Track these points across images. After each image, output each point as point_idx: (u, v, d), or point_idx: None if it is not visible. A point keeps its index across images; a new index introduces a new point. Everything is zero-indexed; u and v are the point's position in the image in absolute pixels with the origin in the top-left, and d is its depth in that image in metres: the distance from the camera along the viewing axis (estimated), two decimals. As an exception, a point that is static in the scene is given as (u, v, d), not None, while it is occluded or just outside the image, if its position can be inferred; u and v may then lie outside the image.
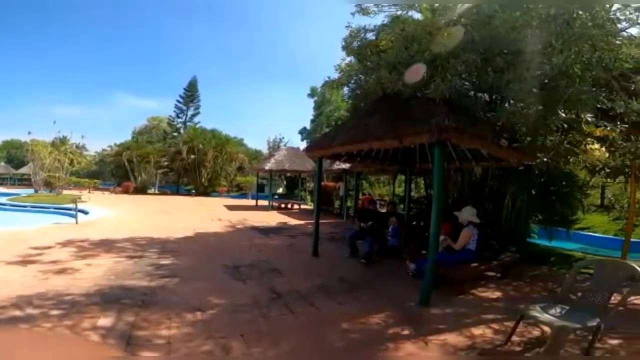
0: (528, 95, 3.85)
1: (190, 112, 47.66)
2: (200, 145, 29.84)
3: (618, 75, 4.23)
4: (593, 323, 2.94)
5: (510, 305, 4.42)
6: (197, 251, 7.30)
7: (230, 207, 18.30)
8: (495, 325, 3.77)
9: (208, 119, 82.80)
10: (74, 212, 10.73)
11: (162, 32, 73.65)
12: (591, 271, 3.68)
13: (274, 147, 34.65)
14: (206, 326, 3.53)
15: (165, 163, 31.71)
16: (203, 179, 29.99)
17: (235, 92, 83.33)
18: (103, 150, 44.82)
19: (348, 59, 7.89)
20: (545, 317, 3.05)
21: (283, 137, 38.68)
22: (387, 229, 7.09)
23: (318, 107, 32.98)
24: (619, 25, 4.71)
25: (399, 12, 6.39)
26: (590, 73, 3.85)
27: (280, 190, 28.69)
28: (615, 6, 4.41)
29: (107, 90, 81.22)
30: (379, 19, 6.98)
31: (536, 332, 3.53)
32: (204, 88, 63.35)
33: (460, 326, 3.75)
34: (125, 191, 27.86)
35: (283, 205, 19.10)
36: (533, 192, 7.24)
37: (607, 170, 4.62)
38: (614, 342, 3.36)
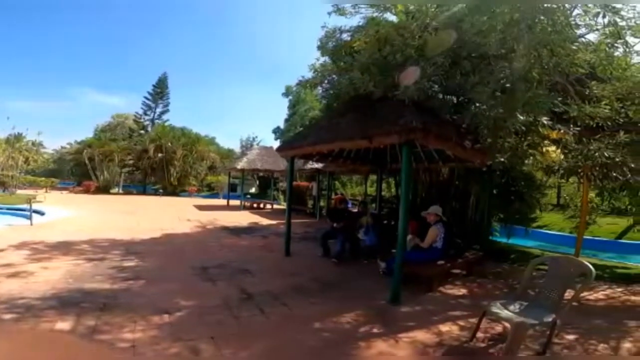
0: (490, 98, 4.01)
1: (158, 110, 45.86)
2: (169, 144, 28.86)
3: (574, 80, 4.50)
4: (549, 319, 3.07)
5: (474, 302, 4.58)
6: (164, 252, 7.03)
7: (201, 207, 17.82)
8: (461, 322, 3.90)
9: (178, 117, 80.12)
10: (28, 213, 10.02)
11: (130, 25, 70.23)
12: (547, 267, 3.84)
13: (247, 146, 34.16)
14: (174, 328, 3.41)
15: (131, 162, 30.38)
16: (172, 178, 29.00)
17: (208, 90, 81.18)
18: (62, 148, 42.24)
19: (322, 59, 7.93)
20: (505, 313, 3.17)
21: (256, 136, 38.36)
22: (360, 228, 7.18)
23: (292, 106, 32.86)
24: (578, 31, 5.03)
25: (374, 14, 6.49)
26: (547, 77, 4.06)
27: (252, 190, 28.30)
28: (576, 12, 4.70)
29: (68, 84, 75.59)
30: (355, 20, 7.09)
31: (499, 328, 3.66)
32: (174, 85, 61.36)
33: (429, 323, 3.85)
34: (86, 191, 26.36)
35: (255, 205, 18.86)
36: (495, 192, 7.60)
37: (561, 171, 4.96)
38: (571, 337, 3.52)
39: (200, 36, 75.63)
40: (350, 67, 5.97)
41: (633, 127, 4.22)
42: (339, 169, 13.21)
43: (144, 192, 30.23)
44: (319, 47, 7.37)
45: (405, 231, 4.62)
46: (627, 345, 3.38)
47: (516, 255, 7.80)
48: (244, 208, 17.88)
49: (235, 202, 19.41)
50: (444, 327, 3.75)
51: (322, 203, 15.93)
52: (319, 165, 13.09)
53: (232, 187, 24.63)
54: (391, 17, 6.61)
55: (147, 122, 44.75)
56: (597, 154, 3.73)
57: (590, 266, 3.19)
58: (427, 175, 8.99)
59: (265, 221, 13.30)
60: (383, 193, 14.03)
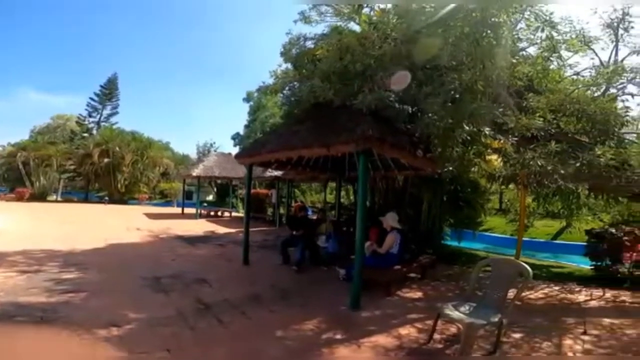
0: (441, 108, 4.24)
1: (106, 112, 42.88)
2: (117, 148, 26.93)
3: (514, 92, 4.92)
4: (495, 319, 3.25)
5: (429, 304, 4.74)
6: (109, 263, 6.53)
7: (152, 216, 16.82)
8: (418, 324, 4.02)
9: (129, 120, 75.59)
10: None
11: (77, 23, 65.03)
12: (490, 269, 4.05)
13: (204, 152, 33.01)
14: (123, 342, 3.21)
15: (72, 167, 27.95)
16: (119, 185, 27.05)
17: (163, 93, 77.21)
18: (-8, 150, 37.81)
19: (285, 65, 7.97)
20: (456, 314, 3.33)
21: (214, 142, 37.12)
22: (320, 236, 7.22)
23: (253, 112, 32.32)
24: (520, 45, 5.50)
25: (339, 23, 6.64)
26: (491, 90, 4.40)
27: (209, 198, 27.32)
28: (519, 26, 5.15)
29: (5, 83, 68.16)
30: (320, 28, 7.18)
31: (453, 329, 3.81)
32: (126, 86, 57.68)
33: (389, 327, 3.94)
34: (19, 198, 23.74)
35: (213, 213, 18.22)
36: (445, 198, 8.07)
37: (502, 179, 5.39)
38: (517, 336, 3.74)
39: (156, 36, 72.04)
40: (312, 75, 6.05)
41: (563, 137, 4.69)
42: (299, 176, 13.23)
43: (86, 199, 27.91)
44: (282, 54, 7.39)
45: (362, 237, 4.70)
46: (568, 342, 3.61)
47: (465, 257, 8.25)
48: (201, 216, 17.19)
49: (190, 211, 18.58)
50: (403, 330, 3.86)
51: (281, 211, 15.81)
52: (278, 173, 13.01)
53: (188, 195, 23.59)
54: (355, 27, 6.82)
55: (92, 125, 41.59)
56: (531, 162, 4.11)
57: (527, 267, 3.42)
58: (383, 183, 9.30)
59: (223, 229, 12.89)
60: (342, 200, 14.30)
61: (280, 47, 7.37)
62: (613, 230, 6.25)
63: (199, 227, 13.35)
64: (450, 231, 9.51)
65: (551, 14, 4.99)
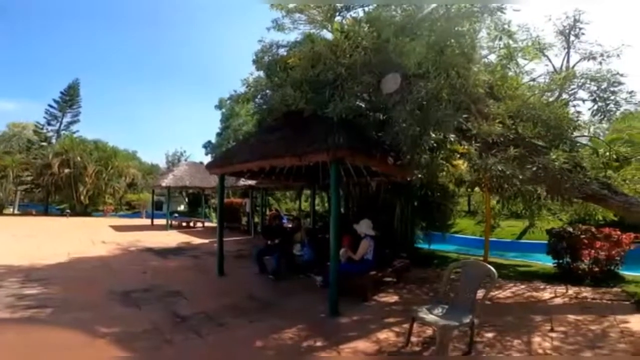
0: (409, 116, 4.38)
1: (66, 120, 40.75)
2: (78, 158, 25.57)
3: (476, 99, 5.14)
4: (467, 319, 3.35)
5: (406, 307, 4.82)
6: (75, 278, 6.22)
7: (119, 228, 16.07)
8: (396, 328, 4.10)
9: (91, 128, 72.07)
10: None
11: (35, 25, 61.59)
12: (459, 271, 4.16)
13: (174, 161, 32.06)
14: (97, 357, 3.11)
15: (29, 178, 26.25)
16: (82, 197, 25.66)
17: (130, 101, 74.06)
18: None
19: (257, 73, 7.93)
20: (430, 317, 3.41)
21: (184, 151, 36.15)
22: (295, 244, 7.22)
23: (226, 120, 31.78)
24: (483, 52, 5.76)
25: (312, 30, 6.70)
26: (455, 97, 4.58)
27: (181, 208, 26.54)
28: (481, 34, 5.39)
29: None
30: (293, 36, 7.24)
31: (429, 331, 3.88)
32: (89, 93, 54.96)
33: (368, 332, 4.00)
34: (-31, 214, 22.00)
35: (184, 224, 17.69)
36: (416, 203, 8.32)
37: (467, 183, 5.63)
38: (490, 335, 3.89)
39: (123, 40, 69.45)
40: (284, 83, 6.05)
41: (521, 142, 4.94)
42: (273, 184, 13.17)
43: (46, 212, 26.25)
44: (254, 61, 7.33)
45: (337, 244, 4.74)
46: (537, 339, 3.76)
47: (438, 260, 8.47)
48: (172, 227, 16.65)
49: (161, 222, 17.95)
50: (382, 335, 3.92)
51: (256, 219, 15.64)
52: (252, 182, 12.90)
53: (158, 205, 22.83)
54: (328, 35, 6.93)
55: (52, 134, 39.39)
56: (492, 167, 4.34)
57: (492, 268, 3.58)
58: (357, 189, 9.45)
59: (196, 240, 12.55)
60: (317, 208, 14.37)
61: (252, 55, 7.39)
62: (571, 229, 6.59)
63: (171, 238, 12.93)
64: (422, 235, 9.78)
65: (509, 22, 5.26)
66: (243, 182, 13.90)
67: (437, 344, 3.32)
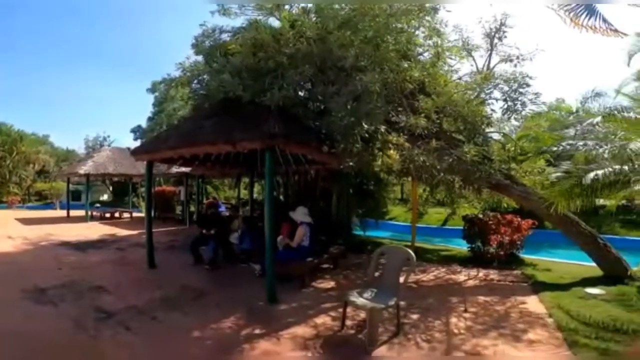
0: (343, 108, 4.55)
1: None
2: (-26, 142, 21.79)
3: (408, 94, 5.47)
4: (392, 302, 3.60)
5: (341, 292, 4.92)
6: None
7: (27, 221, 14.10)
8: (332, 313, 4.28)
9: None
10: None
11: None
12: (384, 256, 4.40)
13: (95, 146, 28.93)
14: (15, 358, 2.84)
15: None
16: (-21, 187, 21.98)
17: (41, 78, 63.45)
18: None
19: (195, 57, 7.56)
20: (360, 300, 3.62)
21: (108, 136, 32.65)
22: (233, 233, 7.10)
23: (159, 104, 29.35)
24: (419, 49, 6.08)
25: (260, 17, 6.49)
26: (386, 91, 4.83)
27: (104, 198, 24.18)
28: (417, 32, 5.65)
29: None
30: (239, 22, 6.94)
31: (363, 315, 4.03)
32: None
33: (306, 317, 4.13)
34: None
35: (108, 215, 16.16)
36: (352, 191, 8.70)
37: (396, 172, 6.03)
38: (415, 316, 4.21)
39: (37, 16, 58.96)
40: (223, 69, 5.88)
41: (443, 135, 5.44)
42: (209, 172, 12.69)
43: None
44: (193, 45, 6.99)
45: (272, 233, 4.76)
46: (454, 320, 4.12)
47: (372, 246, 8.74)
48: (93, 219, 15.12)
49: (79, 213, 16.19)
50: (319, 320, 4.08)
51: (192, 209, 14.95)
52: (186, 169, 12.28)
53: (76, 195, 20.49)
54: (275, 23, 6.79)
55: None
56: (416, 158, 4.77)
57: (411, 252, 3.90)
58: (295, 177, 9.57)
59: (122, 232, 11.59)
60: (256, 196, 14.22)
61: (191, 38, 7.01)
62: (481, 216, 7.40)
63: (92, 231, 11.76)
64: (358, 221, 10.21)
65: (442, 22, 5.60)
66: (176, 169, 13.15)
67: (368, 326, 3.53)
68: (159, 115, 28.34)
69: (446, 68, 6.46)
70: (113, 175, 17.21)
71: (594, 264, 5.97)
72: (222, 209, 11.96)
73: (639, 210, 10.98)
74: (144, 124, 29.88)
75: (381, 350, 3.35)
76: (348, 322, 3.91)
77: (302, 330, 3.77)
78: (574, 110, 14.87)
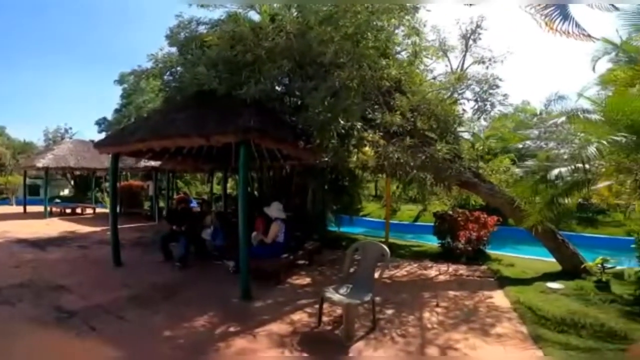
0: (321, 103, 4.55)
1: None
2: None
3: (385, 92, 5.51)
4: (368, 297, 3.63)
5: (317, 289, 4.92)
6: None
7: (-24, 218, 13.10)
8: (309, 310, 4.25)
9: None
10: None
11: None
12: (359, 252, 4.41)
13: (55, 139, 27.20)
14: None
15: None
16: None
17: None
18: None
19: (168, 49, 7.29)
20: (336, 297, 3.63)
21: (70, 128, 30.73)
22: (205, 229, 6.91)
23: (127, 96, 28.00)
24: (398, 48, 6.14)
25: (239, 10, 6.32)
26: (364, 88, 4.86)
27: (65, 193, 22.84)
28: (397, 31, 5.67)
29: None
30: (218, 14, 6.79)
31: (339, 311, 4.01)
32: None
33: (282, 314, 4.08)
34: None
35: (70, 211, 15.24)
36: (327, 187, 8.72)
37: (371, 169, 6.10)
38: (390, 311, 4.26)
39: None
40: (198, 62, 5.72)
41: (417, 133, 5.54)
42: (180, 166, 12.27)
43: None
44: (168, 37, 6.78)
45: (245, 229, 4.68)
46: (427, 315, 4.20)
47: (347, 241, 8.82)
48: (52, 215, 14.22)
49: (37, 209, 15.17)
50: (295, 316, 4.05)
51: (162, 204, 14.43)
52: (156, 163, 11.81)
53: (34, 190, 19.20)
54: (255, 16, 6.64)
55: None
56: (391, 155, 4.85)
57: (386, 248, 3.94)
58: (271, 173, 9.47)
59: (84, 229, 10.96)
60: (230, 191, 13.94)
61: (166, 30, 6.78)
62: (451, 213, 7.63)
63: (51, 227, 11.05)
64: (334, 217, 10.24)
65: (422, 22, 5.69)
66: (145, 163, 12.63)
67: (344, 321, 3.54)
68: (127, 107, 27.12)
69: (422, 67, 6.61)
70: (75, 169, 16.26)
71: (553, 260, 6.27)
72: (194, 204, 11.66)
73: (594, 209, 11.69)
74: (109, 116, 28.48)
75: (358, 346, 3.37)
76: (324, 319, 3.91)
77: (278, 327, 3.74)
78: (538, 112, 15.66)
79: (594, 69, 6.51)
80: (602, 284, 5.06)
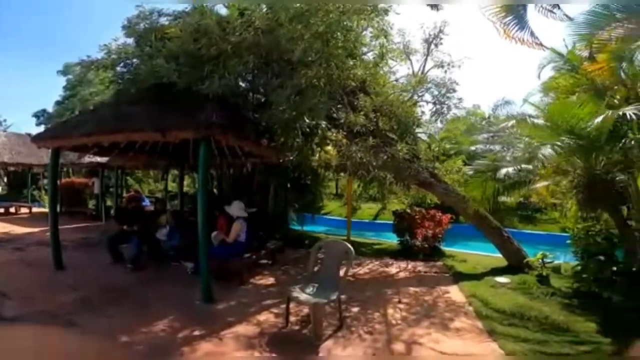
0: (286, 101, 4.50)
1: None
2: None
3: (350, 91, 5.55)
4: (334, 296, 3.64)
5: (282, 288, 4.86)
6: None
7: None
8: (275, 310, 4.18)
9: None
10: None
11: None
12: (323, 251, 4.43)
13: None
14: None
15: None
16: None
17: None
18: None
19: (124, 39, 6.80)
20: (303, 296, 3.61)
21: (4, 120, 27.65)
22: (159, 228, 6.57)
23: (72, 87, 25.71)
24: (365, 49, 6.20)
25: (206, 3, 6.06)
26: (330, 87, 4.88)
27: (-4, 190, 20.47)
28: (364, 32, 5.71)
29: None
30: (182, 6, 6.40)
31: (306, 310, 4.00)
32: None
33: (247, 316, 3.98)
34: None
35: (3, 210, 13.71)
36: (289, 185, 8.69)
37: (333, 168, 6.18)
38: (355, 309, 4.30)
39: None
40: (157, 54, 5.41)
41: (379, 133, 5.70)
42: (130, 162, 11.51)
43: None
44: (125, 27, 6.35)
45: (205, 228, 4.51)
46: (390, 311, 4.31)
47: (310, 240, 8.80)
48: (-21, 215, 12.72)
49: (-39, 208, 13.46)
50: (262, 317, 3.97)
51: (109, 202, 13.45)
52: (102, 159, 10.95)
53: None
54: (222, 10, 6.39)
55: None
56: (354, 154, 4.94)
57: (350, 246, 3.99)
58: (231, 170, 9.22)
59: (20, 230, 9.89)
60: (187, 189, 13.37)
61: (123, 20, 6.36)
62: (409, 211, 7.92)
63: (-21, 229, 9.89)
64: (296, 216, 10.20)
65: (390, 24, 5.79)
66: (89, 158, 11.67)
67: (312, 321, 3.54)
68: (71, 99, 24.96)
69: (386, 69, 6.78)
70: (9, 164, 14.66)
71: (500, 255, 6.70)
72: (146, 202, 11.02)
73: (533, 207, 12.76)
74: (50, 108, 26.04)
75: (327, 345, 3.38)
76: (292, 318, 3.88)
77: (244, 329, 3.65)
78: (487, 116, 16.81)
79: (539, 76, 7.07)
80: (542, 278, 5.39)
